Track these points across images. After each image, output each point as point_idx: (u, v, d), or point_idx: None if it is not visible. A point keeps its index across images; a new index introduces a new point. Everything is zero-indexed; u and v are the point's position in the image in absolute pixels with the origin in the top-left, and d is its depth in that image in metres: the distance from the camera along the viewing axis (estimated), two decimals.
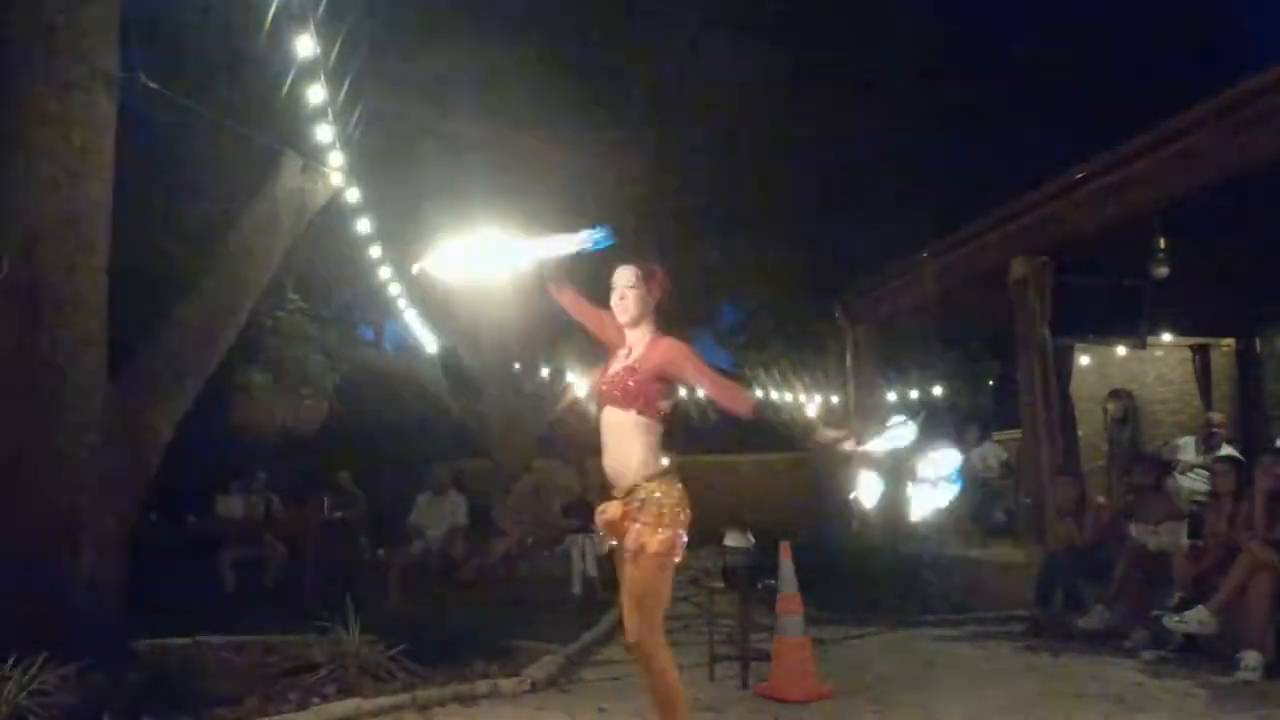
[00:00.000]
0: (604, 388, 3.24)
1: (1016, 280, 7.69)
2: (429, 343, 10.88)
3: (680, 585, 3.17)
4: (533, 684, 4.97)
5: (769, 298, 13.04)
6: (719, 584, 5.32)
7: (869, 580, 7.26)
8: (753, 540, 5.13)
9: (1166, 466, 7.58)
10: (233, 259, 5.84)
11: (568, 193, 9.12)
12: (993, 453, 10.25)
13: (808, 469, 12.57)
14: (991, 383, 13.75)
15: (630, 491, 3.14)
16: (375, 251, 8.04)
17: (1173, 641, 5.41)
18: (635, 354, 3.24)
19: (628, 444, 3.16)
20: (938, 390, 13.47)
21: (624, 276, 3.29)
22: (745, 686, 4.93)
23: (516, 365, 13.17)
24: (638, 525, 3.09)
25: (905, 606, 7.00)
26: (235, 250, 5.85)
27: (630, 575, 3.11)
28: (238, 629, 5.99)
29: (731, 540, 5.12)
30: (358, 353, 11.05)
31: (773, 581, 5.08)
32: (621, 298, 3.28)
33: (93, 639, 4.57)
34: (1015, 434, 9.16)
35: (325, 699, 4.47)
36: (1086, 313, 8.39)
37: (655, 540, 3.06)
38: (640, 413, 3.15)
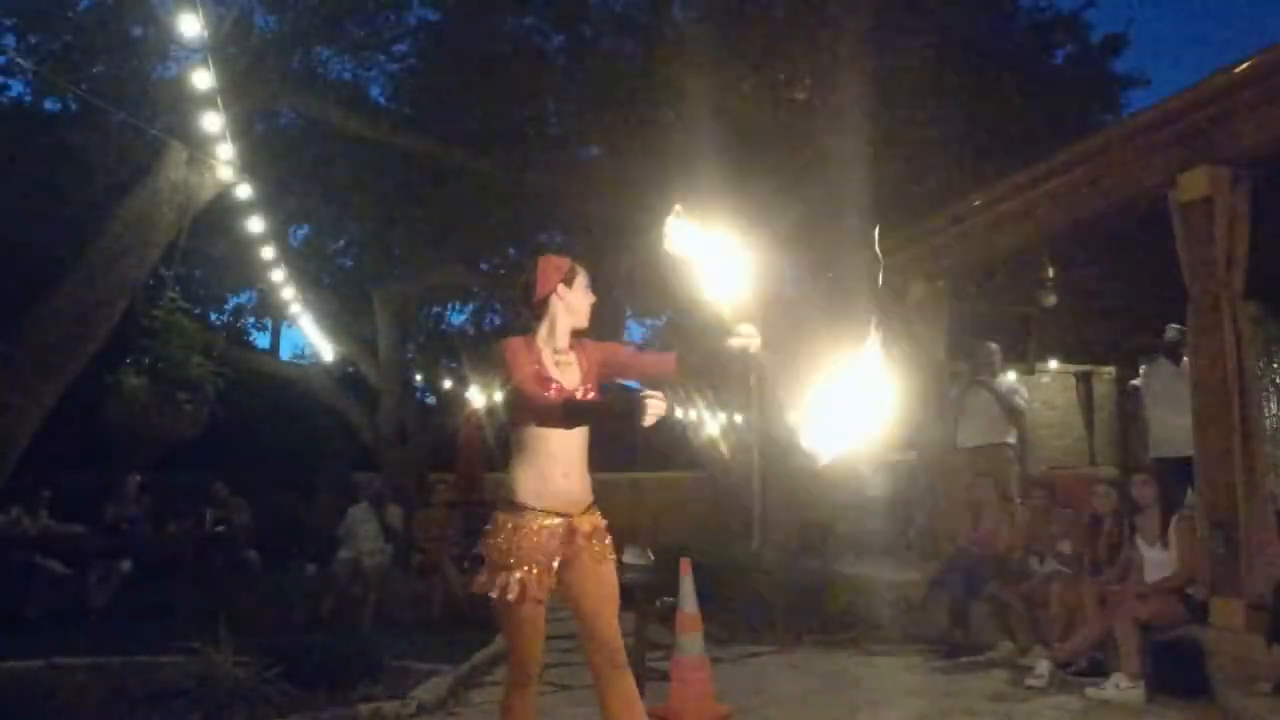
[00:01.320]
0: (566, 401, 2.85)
1: (916, 303, 7.89)
2: (325, 351, 10.49)
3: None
4: (419, 706, 4.78)
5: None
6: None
7: (769, 598, 7.23)
8: (651, 557, 5.04)
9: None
10: (107, 252, 5.56)
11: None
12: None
13: (710, 486, 12.59)
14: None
15: (588, 510, 2.96)
16: (268, 252, 7.69)
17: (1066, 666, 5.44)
18: (575, 361, 2.98)
19: (584, 461, 2.96)
20: None
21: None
22: None
23: (419, 377, 12.81)
24: (598, 549, 2.94)
25: (803, 625, 6.99)
26: (111, 243, 5.57)
27: (608, 580, 2.95)
28: (101, 650, 5.55)
29: (629, 557, 5.01)
30: (248, 358, 10.64)
31: (672, 600, 5.01)
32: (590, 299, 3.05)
33: None
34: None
35: None
36: (980, 338, 8.63)
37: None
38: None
